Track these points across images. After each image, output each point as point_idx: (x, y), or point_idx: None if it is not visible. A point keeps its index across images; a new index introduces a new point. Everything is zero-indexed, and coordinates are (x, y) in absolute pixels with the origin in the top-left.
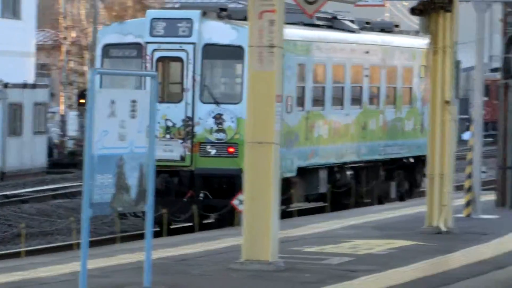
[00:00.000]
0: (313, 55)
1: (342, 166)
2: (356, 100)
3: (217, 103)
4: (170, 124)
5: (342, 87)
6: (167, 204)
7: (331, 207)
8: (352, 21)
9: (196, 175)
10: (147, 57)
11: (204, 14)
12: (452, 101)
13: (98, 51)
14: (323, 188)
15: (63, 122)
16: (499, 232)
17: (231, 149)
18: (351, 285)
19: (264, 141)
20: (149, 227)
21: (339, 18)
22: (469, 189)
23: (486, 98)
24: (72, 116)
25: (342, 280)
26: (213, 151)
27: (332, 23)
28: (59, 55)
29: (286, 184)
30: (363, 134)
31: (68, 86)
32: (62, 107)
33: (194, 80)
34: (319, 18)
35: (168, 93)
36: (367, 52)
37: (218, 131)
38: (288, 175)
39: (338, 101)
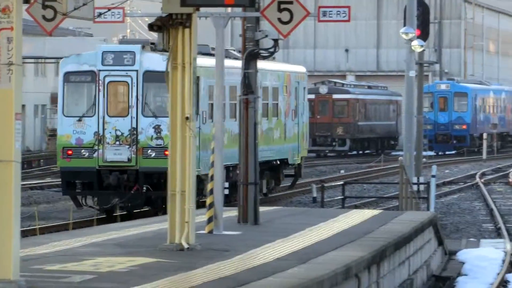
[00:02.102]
0: None
1: (235, 166)
2: None
3: (155, 116)
4: (119, 133)
5: (235, 104)
6: (119, 195)
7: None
8: (235, 50)
9: (140, 173)
10: (100, 82)
11: (143, 47)
12: (192, 117)
13: (61, 77)
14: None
15: None
16: (241, 248)
17: (167, 152)
18: None
19: (4, 159)
20: None
21: (227, 48)
22: (211, 206)
23: None
24: None
25: None
26: (153, 154)
27: None
28: None
29: (200, 180)
30: None
31: None
32: None
33: (137, 99)
34: (213, 49)
35: (117, 109)
36: None
37: (157, 138)
38: (206, 172)
39: (233, 114)
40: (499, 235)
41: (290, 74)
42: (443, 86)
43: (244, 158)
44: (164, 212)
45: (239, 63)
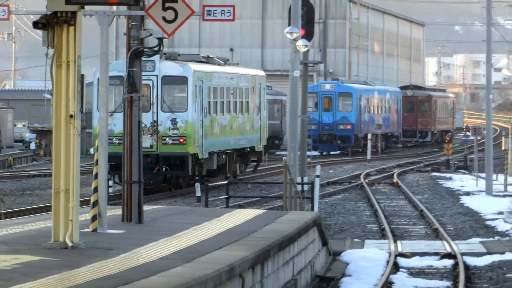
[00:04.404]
0: (212, 82)
1: (221, 152)
2: (227, 109)
3: (172, 111)
4: (143, 125)
5: (222, 101)
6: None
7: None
8: (218, 58)
9: (160, 156)
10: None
11: (161, 57)
12: (76, 115)
13: (95, 82)
14: (214, 165)
15: None
16: (125, 247)
17: (181, 140)
18: None
19: None
20: None
21: (211, 56)
22: (95, 204)
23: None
24: None
25: None
26: (170, 141)
27: (207, 59)
28: None
29: (200, 163)
30: (231, 131)
31: None
32: None
33: (157, 98)
34: (203, 57)
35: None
36: (231, 78)
37: (173, 129)
38: (204, 156)
39: (221, 110)
40: (383, 236)
41: (255, 77)
42: (327, 86)
43: (128, 156)
44: (177, 188)
45: (222, 68)
